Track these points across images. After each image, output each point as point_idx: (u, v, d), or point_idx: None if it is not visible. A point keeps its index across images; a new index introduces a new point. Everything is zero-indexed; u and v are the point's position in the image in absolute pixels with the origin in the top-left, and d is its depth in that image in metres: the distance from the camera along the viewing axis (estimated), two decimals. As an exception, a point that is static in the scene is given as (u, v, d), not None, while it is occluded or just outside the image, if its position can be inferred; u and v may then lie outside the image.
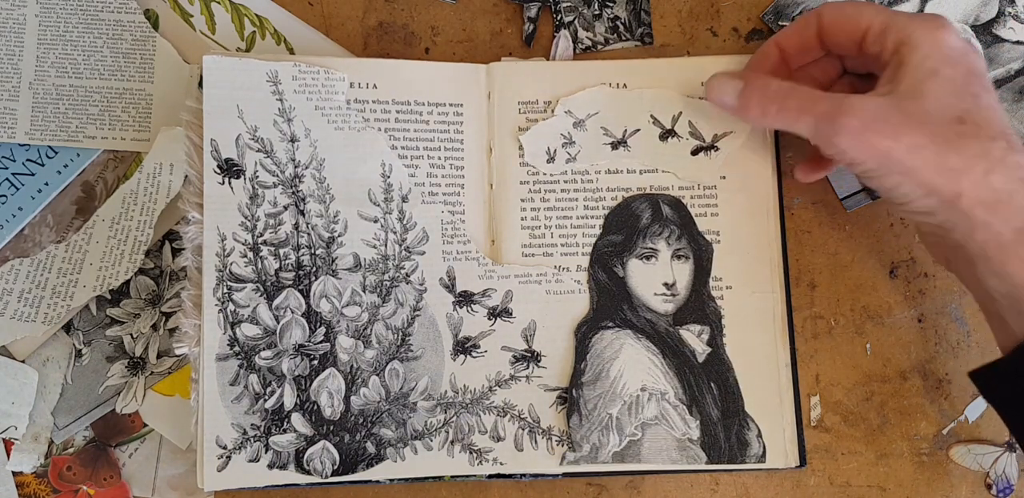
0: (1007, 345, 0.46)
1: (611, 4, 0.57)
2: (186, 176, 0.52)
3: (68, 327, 0.55)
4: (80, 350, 0.55)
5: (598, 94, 0.53)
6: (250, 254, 0.51)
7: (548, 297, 0.53)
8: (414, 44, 0.57)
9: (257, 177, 0.52)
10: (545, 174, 0.54)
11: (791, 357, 0.53)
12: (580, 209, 0.53)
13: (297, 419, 0.51)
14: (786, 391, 0.52)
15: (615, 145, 0.54)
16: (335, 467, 0.51)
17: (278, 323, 0.51)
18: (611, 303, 0.52)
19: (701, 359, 0.52)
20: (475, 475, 0.52)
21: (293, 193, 0.52)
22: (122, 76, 0.56)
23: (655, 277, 0.53)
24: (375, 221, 0.52)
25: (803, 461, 0.52)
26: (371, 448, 0.51)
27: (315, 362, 0.51)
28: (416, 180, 0.53)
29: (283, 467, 0.50)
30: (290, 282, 0.51)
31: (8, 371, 0.54)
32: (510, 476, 0.52)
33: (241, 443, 0.50)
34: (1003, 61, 0.56)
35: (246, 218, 0.51)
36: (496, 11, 0.57)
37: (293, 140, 0.52)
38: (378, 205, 0.52)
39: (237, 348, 0.51)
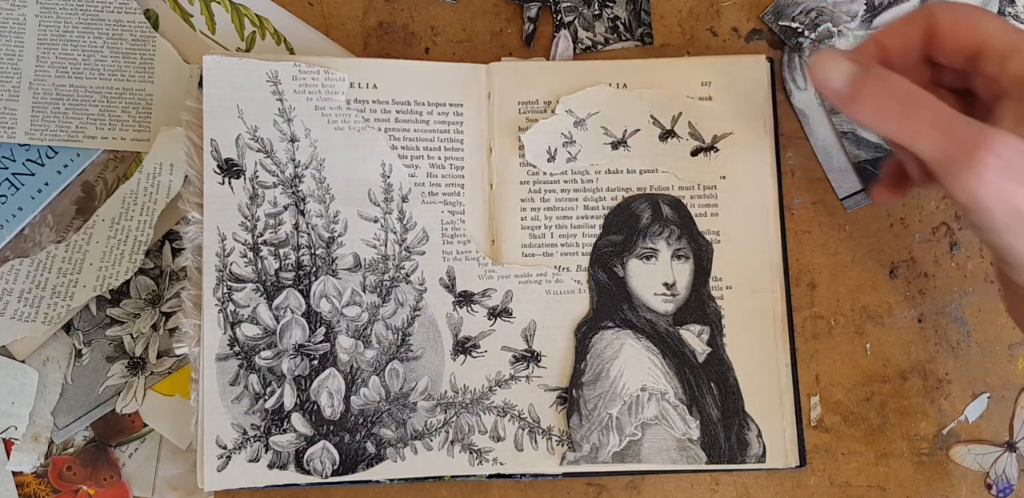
0: None
1: (611, 4, 0.57)
2: (186, 176, 0.52)
3: (68, 327, 0.55)
4: (80, 350, 0.55)
5: (598, 94, 0.53)
6: (250, 254, 0.51)
7: (548, 297, 0.53)
8: (414, 44, 0.57)
9: (257, 177, 0.52)
10: (545, 174, 0.54)
11: (791, 357, 0.53)
12: (580, 209, 0.53)
13: (297, 419, 0.51)
14: (786, 391, 0.52)
15: (615, 145, 0.54)
16: (335, 467, 0.51)
17: (278, 323, 0.51)
18: (611, 303, 0.52)
19: (701, 359, 0.52)
20: (475, 475, 0.52)
21: (293, 193, 0.52)
22: (122, 76, 0.56)
23: (655, 277, 0.53)
24: (375, 221, 0.52)
25: (803, 461, 0.52)
26: (371, 448, 0.51)
27: (315, 362, 0.51)
28: (416, 180, 0.53)
29: (283, 467, 0.50)
30: (290, 282, 0.51)
31: (8, 371, 0.54)
32: (510, 476, 0.52)
33: (241, 443, 0.50)
34: (1003, 61, 0.56)
35: (246, 218, 0.51)
36: (496, 11, 0.57)
37: (293, 140, 0.52)
38: (378, 205, 0.52)
39: (237, 348, 0.51)
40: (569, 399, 0.52)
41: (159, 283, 0.55)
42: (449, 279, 0.53)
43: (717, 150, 0.53)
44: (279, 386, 0.51)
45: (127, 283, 0.54)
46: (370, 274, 0.52)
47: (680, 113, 0.54)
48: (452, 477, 0.52)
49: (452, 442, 0.51)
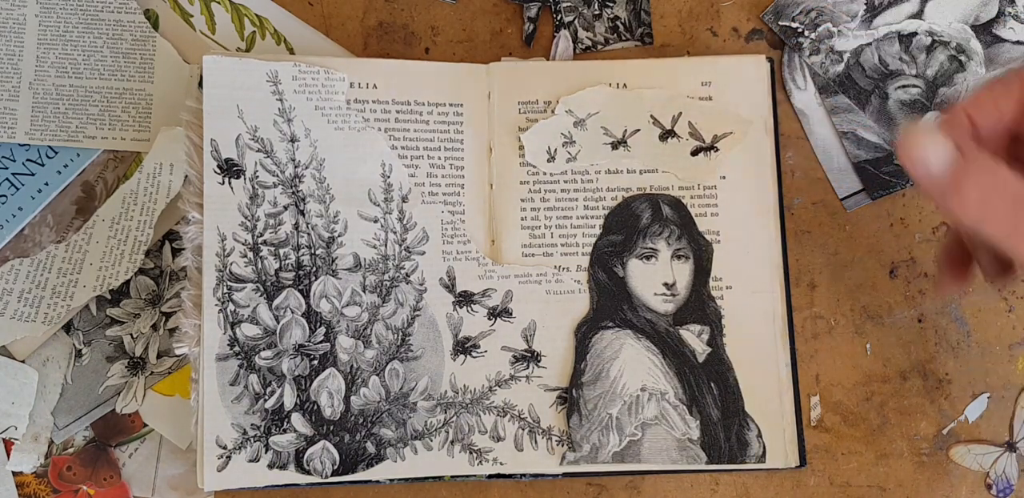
0: None
1: (611, 4, 0.57)
2: (186, 176, 0.52)
3: (68, 327, 0.55)
4: (80, 350, 0.55)
5: (598, 94, 0.53)
6: (250, 254, 0.51)
7: (548, 297, 0.53)
8: (414, 44, 0.57)
9: (257, 177, 0.52)
10: (545, 174, 0.54)
11: (791, 357, 0.53)
12: (580, 209, 0.53)
13: (297, 419, 0.51)
14: (786, 391, 0.52)
15: (615, 145, 0.54)
16: (335, 467, 0.51)
17: (278, 323, 0.51)
18: (611, 303, 0.52)
19: (701, 359, 0.52)
20: (475, 475, 0.52)
21: (293, 193, 0.52)
22: (122, 76, 0.55)
23: (655, 277, 0.53)
24: (375, 221, 0.52)
25: (803, 461, 0.52)
26: (371, 448, 0.51)
27: (315, 362, 0.51)
28: (416, 180, 0.53)
29: (283, 467, 0.50)
30: (290, 282, 0.51)
31: (8, 371, 0.54)
32: (510, 476, 0.52)
33: (241, 443, 0.50)
34: (1003, 61, 0.56)
35: (246, 218, 0.51)
36: (496, 11, 0.57)
37: (293, 140, 0.52)
38: (378, 205, 0.52)
39: (237, 348, 0.51)
40: (569, 399, 0.52)
41: (159, 283, 0.55)
42: (449, 279, 0.53)
43: (717, 150, 0.53)
44: (279, 386, 0.51)
45: (127, 283, 0.54)
46: (370, 274, 0.52)
47: (680, 113, 0.54)
48: (452, 477, 0.52)
49: (452, 442, 0.51)
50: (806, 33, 0.56)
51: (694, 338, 0.52)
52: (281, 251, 0.51)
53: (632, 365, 0.52)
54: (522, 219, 0.53)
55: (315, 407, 0.51)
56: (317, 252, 0.52)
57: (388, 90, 0.53)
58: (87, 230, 0.55)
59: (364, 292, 0.52)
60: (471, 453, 0.51)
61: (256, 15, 0.56)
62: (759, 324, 0.53)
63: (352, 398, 0.51)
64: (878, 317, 0.55)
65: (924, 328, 0.55)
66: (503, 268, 0.53)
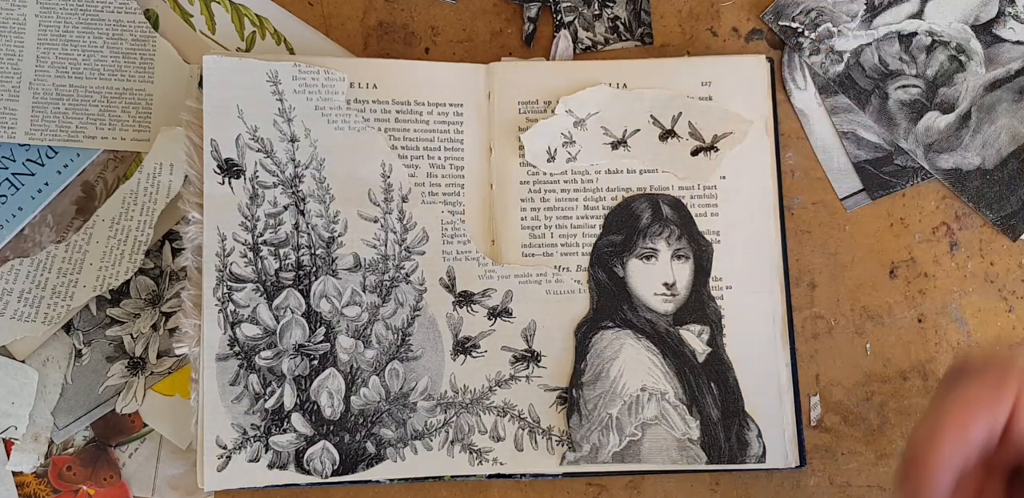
0: None
1: (611, 4, 0.57)
2: (186, 176, 0.52)
3: (68, 327, 0.55)
4: (80, 350, 0.55)
5: (598, 94, 0.53)
6: (250, 254, 0.51)
7: (548, 297, 0.53)
8: (414, 44, 0.57)
9: (257, 177, 0.52)
10: (545, 174, 0.54)
11: (791, 357, 0.53)
12: (580, 209, 0.53)
13: (297, 419, 0.51)
14: (786, 391, 0.52)
15: (615, 145, 0.54)
16: (335, 467, 0.51)
17: (278, 323, 0.51)
18: (611, 303, 0.52)
19: (701, 359, 0.52)
20: (475, 475, 0.52)
21: (293, 193, 0.52)
22: (122, 76, 0.55)
23: (655, 277, 0.53)
24: (375, 221, 0.52)
25: (803, 461, 0.52)
26: (371, 448, 0.51)
27: (315, 362, 0.51)
28: (416, 180, 0.53)
29: (283, 467, 0.50)
30: (290, 282, 0.51)
31: (8, 371, 0.54)
32: (510, 476, 0.52)
33: (241, 443, 0.50)
34: (1003, 61, 0.56)
35: (246, 218, 0.51)
36: (496, 11, 0.57)
37: (293, 140, 0.52)
38: (378, 205, 0.52)
39: (237, 348, 0.51)
40: (569, 399, 0.52)
41: (159, 283, 0.55)
42: (449, 279, 0.53)
43: (717, 150, 0.53)
44: (279, 386, 0.51)
45: (127, 283, 0.54)
46: (370, 274, 0.52)
47: (680, 113, 0.54)
48: (452, 477, 0.52)
49: (452, 442, 0.51)
50: (806, 33, 0.56)
51: (694, 338, 0.52)
52: (281, 251, 0.51)
53: (632, 365, 0.52)
54: (522, 219, 0.53)
55: (315, 407, 0.51)
56: (317, 252, 0.52)
57: (388, 90, 0.53)
58: (87, 230, 0.55)
59: (364, 292, 0.52)
60: (471, 453, 0.51)
61: (256, 15, 0.56)
62: (759, 324, 0.53)
63: (352, 398, 0.51)
64: (878, 317, 0.55)
65: (924, 328, 0.55)
66: (503, 268, 0.53)
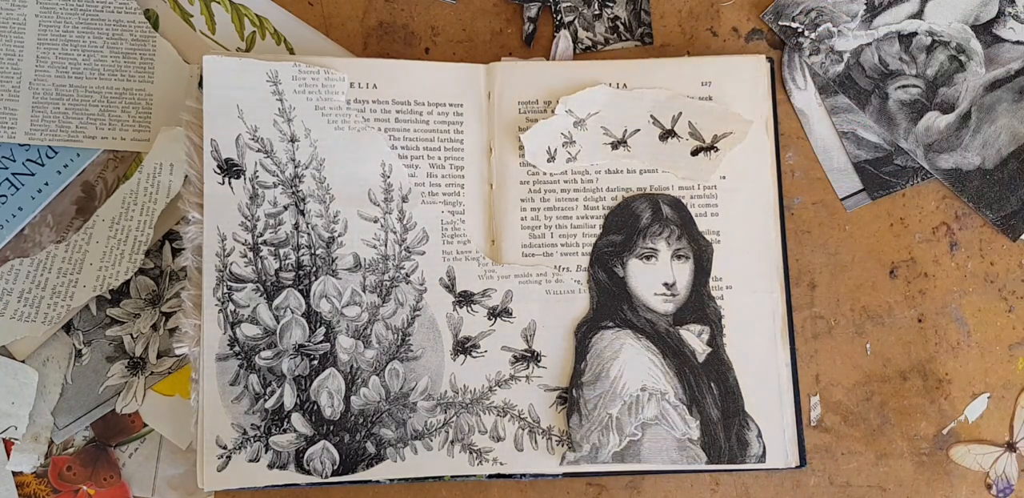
0: None
1: (611, 4, 0.57)
2: (186, 176, 0.52)
3: (68, 327, 0.55)
4: (80, 350, 0.55)
5: (598, 94, 0.53)
6: (250, 254, 0.51)
7: (548, 297, 0.53)
8: (414, 44, 0.57)
9: (257, 177, 0.52)
10: (545, 174, 0.54)
11: (791, 357, 0.53)
12: (580, 209, 0.53)
13: (297, 419, 0.51)
14: (786, 391, 0.52)
15: (615, 145, 0.54)
16: (335, 467, 0.51)
17: (278, 323, 0.51)
18: (611, 303, 0.52)
19: (701, 359, 0.52)
20: (475, 475, 0.52)
21: (293, 193, 0.52)
22: (122, 76, 0.56)
23: (655, 277, 0.53)
24: (375, 221, 0.52)
25: (803, 461, 0.52)
26: (371, 448, 0.51)
27: (315, 362, 0.51)
28: (416, 180, 0.53)
29: (283, 467, 0.50)
30: (290, 282, 0.51)
31: (8, 371, 0.54)
32: (510, 476, 0.52)
33: (241, 443, 0.50)
34: (1003, 61, 0.56)
35: (246, 218, 0.51)
36: (496, 11, 0.57)
37: (293, 140, 0.52)
38: (378, 205, 0.52)
39: (237, 348, 0.51)
40: (569, 399, 0.52)
41: (159, 283, 0.55)
42: (449, 279, 0.53)
43: (717, 150, 0.53)
44: (279, 386, 0.51)
45: (127, 283, 0.54)
46: (370, 274, 0.52)
47: (680, 113, 0.54)
48: (452, 477, 0.52)
49: (452, 442, 0.51)
50: (806, 33, 0.56)
51: (694, 338, 0.52)
52: (281, 251, 0.51)
53: (632, 365, 0.52)
54: (522, 219, 0.53)
55: (315, 407, 0.51)
56: (317, 252, 0.52)
57: (388, 90, 0.53)
58: (87, 230, 0.55)
59: (364, 292, 0.52)
60: (471, 453, 0.51)
61: (256, 15, 0.56)
62: (759, 324, 0.53)
63: (352, 398, 0.51)
64: (878, 317, 0.55)
65: (924, 328, 0.55)
66: (503, 268, 0.53)
